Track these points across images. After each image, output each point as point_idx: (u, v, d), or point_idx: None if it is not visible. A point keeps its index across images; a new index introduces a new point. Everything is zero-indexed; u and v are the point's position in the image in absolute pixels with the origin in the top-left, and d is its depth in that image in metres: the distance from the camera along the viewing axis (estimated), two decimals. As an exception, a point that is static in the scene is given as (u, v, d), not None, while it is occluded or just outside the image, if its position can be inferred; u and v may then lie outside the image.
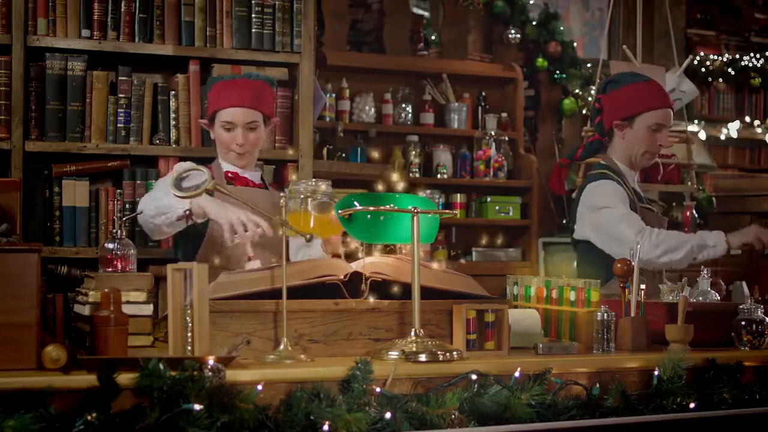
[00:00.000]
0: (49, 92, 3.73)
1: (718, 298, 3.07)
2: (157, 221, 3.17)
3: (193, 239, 3.34)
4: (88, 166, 3.80)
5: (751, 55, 7.89)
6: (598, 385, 2.49)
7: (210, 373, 2.08)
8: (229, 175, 3.44)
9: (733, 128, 7.88)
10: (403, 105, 6.31)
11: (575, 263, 3.86)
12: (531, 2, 6.75)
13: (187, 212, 3.10)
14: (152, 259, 3.74)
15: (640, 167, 3.82)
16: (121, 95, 3.82)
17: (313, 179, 2.69)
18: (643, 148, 3.72)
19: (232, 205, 3.02)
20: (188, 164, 3.25)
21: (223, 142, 3.44)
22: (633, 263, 2.83)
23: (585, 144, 3.95)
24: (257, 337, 2.45)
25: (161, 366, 2.04)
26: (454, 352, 2.45)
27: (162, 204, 3.12)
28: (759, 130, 7.98)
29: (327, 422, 2.13)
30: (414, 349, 2.43)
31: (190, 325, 2.27)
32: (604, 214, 3.61)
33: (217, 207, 3.06)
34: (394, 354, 2.44)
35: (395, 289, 2.60)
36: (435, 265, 2.73)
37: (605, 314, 2.70)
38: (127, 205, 3.80)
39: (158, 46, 3.86)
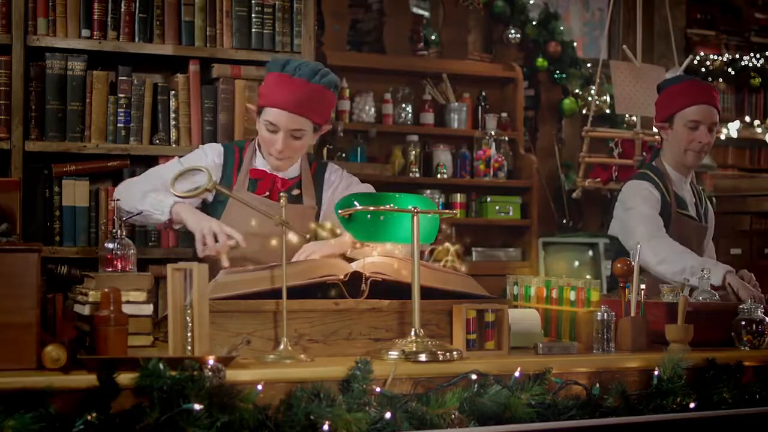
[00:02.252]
0: (49, 92, 3.73)
1: (718, 297, 3.07)
2: (133, 218, 3.10)
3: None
4: (88, 166, 3.80)
5: (751, 55, 7.88)
6: (598, 385, 2.49)
7: (210, 373, 2.08)
8: (254, 175, 3.23)
9: (733, 128, 7.87)
10: (403, 105, 6.30)
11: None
12: (531, 2, 6.75)
13: (168, 221, 3.08)
14: (152, 259, 3.74)
15: (689, 167, 3.78)
16: (121, 95, 3.82)
17: None
18: (683, 147, 3.72)
19: (211, 217, 3.02)
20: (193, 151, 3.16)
21: (264, 140, 3.19)
22: (633, 263, 2.84)
23: (653, 150, 3.98)
24: (257, 337, 2.45)
25: (161, 366, 2.04)
26: (454, 352, 2.45)
27: (144, 209, 3.06)
28: (759, 130, 7.97)
29: (327, 422, 2.13)
30: (414, 349, 2.43)
31: (190, 325, 2.27)
32: (630, 213, 3.65)
33: (193, 217, 3.02)
34: (394, 354, 2.44)
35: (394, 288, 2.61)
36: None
37: (605, 314, 2.70)
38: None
39: (158, 46, 3.85)
